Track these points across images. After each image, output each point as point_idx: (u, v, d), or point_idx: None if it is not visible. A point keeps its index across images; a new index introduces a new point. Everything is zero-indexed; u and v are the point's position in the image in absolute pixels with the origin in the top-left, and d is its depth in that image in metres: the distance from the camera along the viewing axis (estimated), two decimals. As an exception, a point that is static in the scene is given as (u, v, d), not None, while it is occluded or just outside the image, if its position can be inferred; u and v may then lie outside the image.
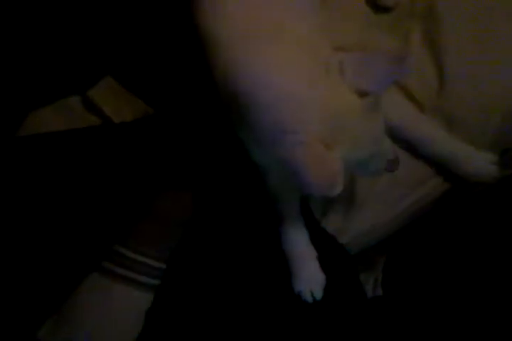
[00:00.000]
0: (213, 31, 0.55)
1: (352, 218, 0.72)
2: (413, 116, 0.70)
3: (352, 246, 0.75)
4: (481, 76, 0.71)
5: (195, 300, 0.65)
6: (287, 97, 0.49)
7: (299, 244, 0.68)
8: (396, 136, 0.67)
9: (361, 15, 0.71)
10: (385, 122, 0.55)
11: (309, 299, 0.67)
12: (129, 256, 0.61)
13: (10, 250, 0.61)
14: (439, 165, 0.71)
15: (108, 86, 0.72)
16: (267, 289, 0.68)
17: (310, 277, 0.67)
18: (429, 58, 0.73)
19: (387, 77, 0.49)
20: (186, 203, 0.64)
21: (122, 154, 0.67)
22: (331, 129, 0.49)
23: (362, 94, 0.49)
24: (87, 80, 0.71)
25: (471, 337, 0.72)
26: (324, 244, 0.72)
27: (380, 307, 0.85)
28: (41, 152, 0.64)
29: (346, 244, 0.74)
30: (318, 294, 0.67)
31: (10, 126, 0.67)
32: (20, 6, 0.67)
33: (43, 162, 0.64)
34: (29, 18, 0.67)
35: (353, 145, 0.51)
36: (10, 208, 0.62)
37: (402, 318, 0.82)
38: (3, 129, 0.67)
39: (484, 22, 0.70)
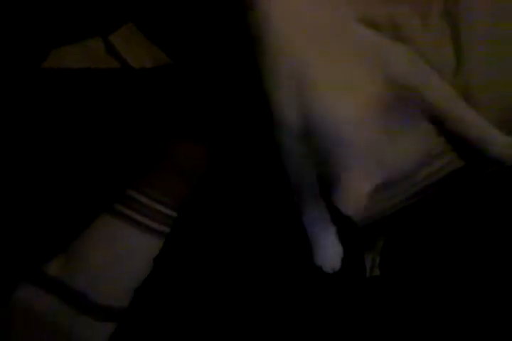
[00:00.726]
0: None
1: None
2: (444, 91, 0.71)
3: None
4: (498, 62, 0.71)
5: (202, 256, 0.65)
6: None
7: (321, 222, 0.69)
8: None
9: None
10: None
11: (330, 271, 0.68)
12: (141, 201, 0.62)
13: (25, 183, 0.59)
14: (459, 142, 0.72)
15: (130, 33, 0.71)
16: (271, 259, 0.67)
17: (331, 251, 0.69)
18: (448, 34, 0.73)
19: None
20: (200, 156, 0.63)
21: (140, 99, 0.66)
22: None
23: None
24: (109, 24, 0.70)
25: (465, 323, 0.72)
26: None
27: (375, 287, 0.85)
28: (61, 86, 0.63)
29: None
30: (338, 266, 0.69)
31: (33, 61, 0.66)
32: None
33: (62, 97, 0.63)
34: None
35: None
36: (26, 139, 0.60)
37: (397, 300, 0.81)
38: (27, 63, 0.66)
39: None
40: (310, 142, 0.62)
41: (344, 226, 0.74)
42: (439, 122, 0.70)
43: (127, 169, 0.62)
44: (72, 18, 0.68)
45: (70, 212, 0.61)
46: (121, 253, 0.60)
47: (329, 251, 0.69)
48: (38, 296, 0.58)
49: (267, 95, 0.62)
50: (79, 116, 0.63)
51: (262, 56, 0.60)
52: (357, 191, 0.70)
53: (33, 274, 0.59)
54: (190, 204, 0.64)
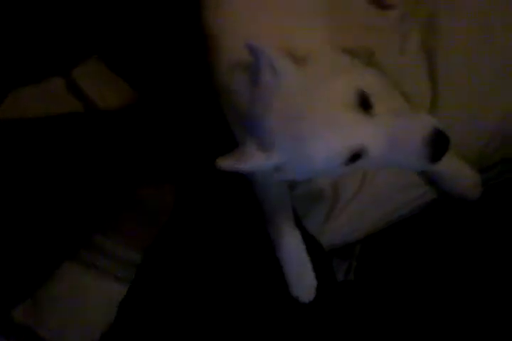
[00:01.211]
0: None
1: (333, 221, 0.73)
2: None
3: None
4: (471, 95, 0.70)
5: (171, 294, 0.66)
6: None
7: (296, 252, 0.69)
8: None
9: (363, 16, 0.67)
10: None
11: (306, 301, 0.69)
12: (106, 246, 0.62)
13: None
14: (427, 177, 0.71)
15: (94, 66, 0.69)
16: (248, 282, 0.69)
17: (306, 282, 0.69)
18: (424, 65, 0.71)
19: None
20: (169, 195, 0.64)
21: (105, 143, 0.65)
22: None
23: None
24: (72, 59, 0.67)
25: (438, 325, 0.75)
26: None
27: (350, 291, 0.88)
28: (21, 138, 0.62)
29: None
30: (313, 296, 0.69)
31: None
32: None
33: (21, 149, 0.62)
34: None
35: None
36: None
37: (371, 304, 0.84)
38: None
39: (481, 35, 0.69)
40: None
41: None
42: None
43: (93, 215, 0.62)
44: (32, 53, 0.66)
45: (35, 258, 0.61)
46: (86, 301, 0.60)
47: (305, 283, 0.69)
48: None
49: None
50: (41, 164, 0.62)
51: None
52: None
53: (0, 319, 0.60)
54: (156, 248, 0.65)
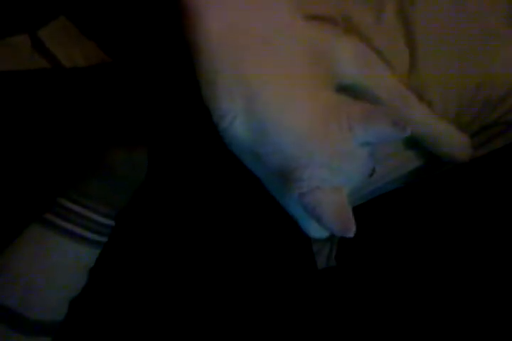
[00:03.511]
0: None
1: None
2: (395, 88, 0.68)
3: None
4: (448, 61, 0.71)
5: (147, 259, 0.63)
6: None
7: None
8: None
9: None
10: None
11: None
12: (74, 209, 0.57)
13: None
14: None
15: (61, 26, 0.67)
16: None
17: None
18: (402, 33, 0.72)
19: (389, 136, 0.56)
20: (139, 162, 0.60)
21: (72, 101, 0.62)
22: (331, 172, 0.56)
23: (364, 144, 0.57)
24: (38, 18, 0.65)
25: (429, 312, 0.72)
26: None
27: (332, 277, 0.85)
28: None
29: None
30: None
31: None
32: None
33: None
34: None
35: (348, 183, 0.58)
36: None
37: (354, 289, 0.81)
38: None
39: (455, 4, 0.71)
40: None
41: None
42: None
43: (59, 176, 0.59)
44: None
45: None
46: (53, 265, 0.56)
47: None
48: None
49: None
50: (6, 121, 0.59)
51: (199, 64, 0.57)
52: None
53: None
54: (129, 212, 0.61)
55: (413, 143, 0.72)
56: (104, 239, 0.59)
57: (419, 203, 0.79)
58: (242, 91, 0.58)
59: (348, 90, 0.64)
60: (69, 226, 0.57)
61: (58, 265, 0.57)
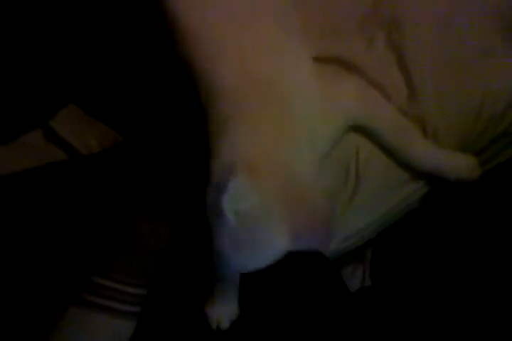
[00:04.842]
0: None
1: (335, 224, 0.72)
2: (397, 125, 0.69)
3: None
4: (446, 85, 0.71)
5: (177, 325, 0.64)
6: None
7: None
8: (380, 142, 0.69)
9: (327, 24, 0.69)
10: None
11: (213, 326, 0.63)
12: (108, 285, 0.60)
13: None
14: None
15: (71, 114, 0.69)
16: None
17: (225, 307, 0.64)
18: (394, 61, 0.72)
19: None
20: (161, 233, 0.63)
21: (95, 185, 0.65)
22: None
23: None
24: (48, 110, 0.67)
25: (457, 327, 0.74)
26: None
27: (369, 297, 0.87)
28: (9, 193, 0.62)
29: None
30: (225, 325, 0.64)
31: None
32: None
33: (8, 204, 0.61)
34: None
35: None
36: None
37: (391, 308, 0.83)
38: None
39: (445, 27, 0.71)
40: None
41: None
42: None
43: (90, 256, 0.61)
44: (6, 110, 0.66)
45: (38, 307, 0.59)
46: None
47: (223, 308, 0.64)
48: None
49: None
50: (31, 218, 0.62)
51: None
52: None
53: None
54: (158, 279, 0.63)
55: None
56: (138, 309, 0.62)
57: (445, 221, 0.80)
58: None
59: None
60: (105, 302, 0.59)
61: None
